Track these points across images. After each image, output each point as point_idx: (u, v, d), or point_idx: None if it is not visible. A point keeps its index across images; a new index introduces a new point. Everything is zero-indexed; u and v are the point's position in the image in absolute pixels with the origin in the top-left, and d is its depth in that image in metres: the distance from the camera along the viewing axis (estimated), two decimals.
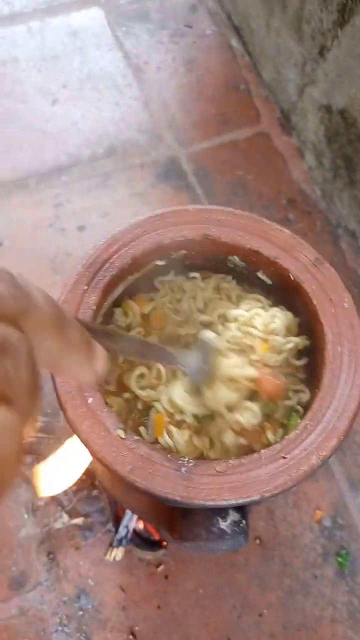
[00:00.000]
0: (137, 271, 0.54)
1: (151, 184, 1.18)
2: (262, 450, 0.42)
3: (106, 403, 0.44)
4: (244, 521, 0.58)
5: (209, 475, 0.41)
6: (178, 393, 0.47)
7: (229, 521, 0.57)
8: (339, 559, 0.87)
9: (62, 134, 1.21)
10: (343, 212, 1.13)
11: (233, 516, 0.57)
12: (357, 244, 1.12)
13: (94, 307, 0.47)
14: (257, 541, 0.87)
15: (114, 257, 0.49)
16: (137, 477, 0.40)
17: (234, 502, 0.40)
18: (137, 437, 0.42)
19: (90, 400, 0.43)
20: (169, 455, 0.42)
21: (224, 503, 0.40)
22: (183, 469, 0.41)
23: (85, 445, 0.42)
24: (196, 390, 0.46)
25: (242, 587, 0.84)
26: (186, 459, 0.42)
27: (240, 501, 0.40)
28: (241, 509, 0.58)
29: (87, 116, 1.24)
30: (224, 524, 0.57)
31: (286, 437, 0.43)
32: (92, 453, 0.42)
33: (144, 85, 1.30)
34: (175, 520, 0.59)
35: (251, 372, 0.48)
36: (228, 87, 1.32)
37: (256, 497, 0.40)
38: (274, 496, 0.40)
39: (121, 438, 0.42)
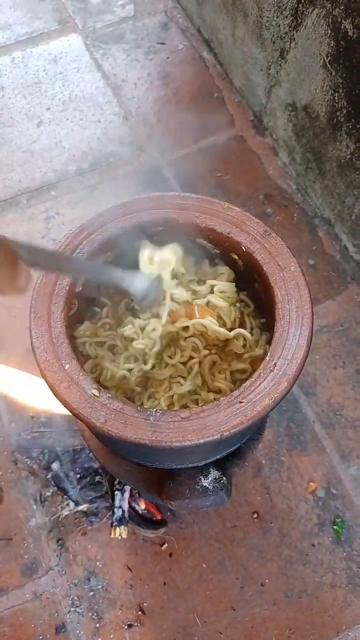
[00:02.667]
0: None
1: (136, 193, 1.24)
2: (222, 398, 0.48)
3: (82, 367, 0.50)
4: (224, 478, 0.63)
5: (174, 422, 0.46)
6: None
7: (210, 478, 0.62)
8: (335, 527, 0.91)
9: (49, 153, 1.29)
10: (317, 203, 1.19)
11: (214, 474, 0.63)
12: (334, 232, 1.17)
13: (67, 288, 0.53)
14: (255, 515, 0.91)
15: (83, 243, 0.55)
16: (110, 427, 0.46)
17: (197, 442, 0.45)
18: (109, 395, 0.48)
19: (67, 366, 0.49)
20: (138, 408, 0.47)
21: (188, 443, 0.45)
22: (151, 418, 0.46)
23: (65, 405, 0.48)
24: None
25: (242, 560, 0.88)
26: (154, 410, 0.47)
27: (202, 441, 0.45)
28: (221, 467, 0.64)
29: (71, 134, 1.32)
30: (205, 482, 0.62)
31: (242, 385, 0.48)
32: (71, 411, 0.48)
33: (123, 102, 1.38)
34: (162, 483, 0.64)
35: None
36: (202, 96, 1.39)
37: (217, 437, 0.45)
38: (232, 435, 0.45)
39: (95, 396, 0.48)
